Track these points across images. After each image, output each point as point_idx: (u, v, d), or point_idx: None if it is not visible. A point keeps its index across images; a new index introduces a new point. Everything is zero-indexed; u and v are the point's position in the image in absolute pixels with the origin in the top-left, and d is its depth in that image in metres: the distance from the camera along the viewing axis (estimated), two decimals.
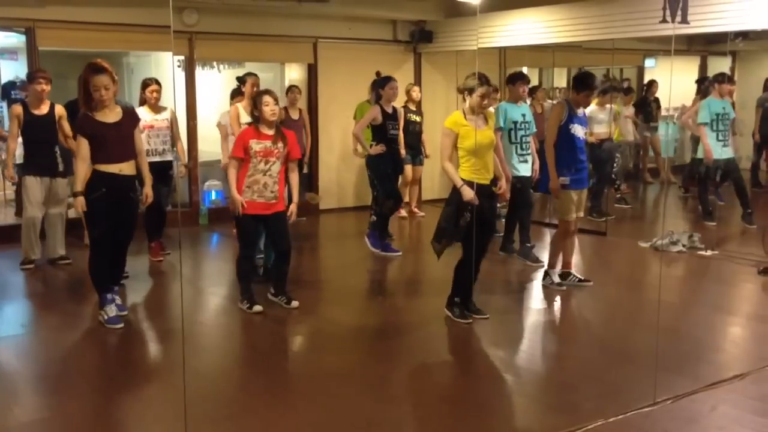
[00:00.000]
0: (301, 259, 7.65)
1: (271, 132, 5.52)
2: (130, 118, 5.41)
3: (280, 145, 5.53)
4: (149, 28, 8.12)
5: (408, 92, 9.15)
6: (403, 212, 9.47)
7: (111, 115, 5.25)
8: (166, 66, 9.50)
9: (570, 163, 6.05)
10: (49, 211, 7.00)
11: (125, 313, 5.57)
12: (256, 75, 7.65)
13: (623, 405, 4.02)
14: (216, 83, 10.60)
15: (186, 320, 5.49)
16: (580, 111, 6.15)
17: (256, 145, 5.46)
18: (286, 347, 5.36)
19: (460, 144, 5.26)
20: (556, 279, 6.34)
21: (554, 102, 10.12)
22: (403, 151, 7.79)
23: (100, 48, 8.43)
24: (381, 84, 7.27)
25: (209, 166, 9.51)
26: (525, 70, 10.29)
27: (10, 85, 10.36)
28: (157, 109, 7.13)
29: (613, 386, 4.37)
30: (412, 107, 9.15)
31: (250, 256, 5.86)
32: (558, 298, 6.19)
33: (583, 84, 6.09)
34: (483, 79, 5.31)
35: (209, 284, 6.87)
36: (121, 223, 5.33)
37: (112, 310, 5.34)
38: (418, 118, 9.15)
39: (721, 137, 8.55)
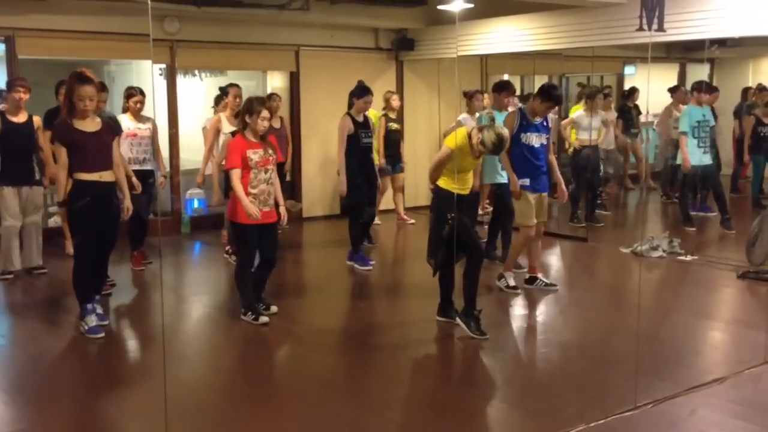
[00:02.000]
0: (283, 266, 7.62)
1: (259, 140, 5.54)
2: (109, 128, 5.40)
3: (270, 152, 5.56)
4: (130, 36, 8.09)
5: (387, 100, 9.16)
6: (377, 220, 9.47)
7: (90, 124, 5.23)
8: (148, 74, 9.47)
9: (525, 171, 6.16)
10: (26, 220, 6.93)
11: (106, 322, 5.53)
12: (238, 86, 7.67)
13: (604, 410, 4.04)
14: (197, 91, 10.58)
15: (167, 329, 5.46)
16: (537, 119, 6.23)
17: (254, 155, 5.45)
18: (269, 355, 5.34)
19: (452, 162, 5.36)
20: (511, 282, 6.41)
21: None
22: (381, 160, 7.70)
23: (80, 56, 8.38)
24: (357, 94, 7.15)
25: (191, 174, 9.47)
26: (506, 77, 10.36)
27: None
28: (140, 118, 7.12)
29: (594, 391, 4.40)
30: (392, 115, 9.16)
31: (251, 259, 5.65)
32: (539, 304, 6.22)
33: (547, 96, 6.16)
34: (498, 145, 5.24)
35: (191, 293, 6.85)
36: (104, 230, 5.30)
37: (92, 320, 5.30)
38: (397, 126, 9.18)
39: (701, 144, 8.64)
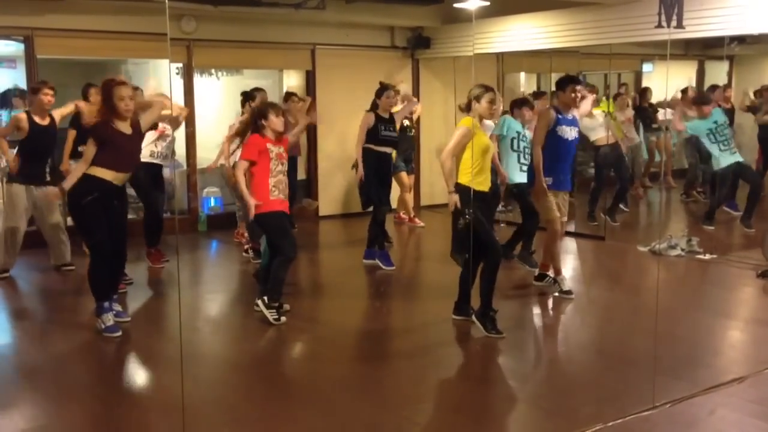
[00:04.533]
0: (299, 265, 7.64)
1: (276, 138, 5.62)
2: (138, 132, 5.48)
3: (282, 149, 5.67)
4: (147, 35, 8.14)
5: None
6: (403, 215, 9.49)
7: (125, 127, 5.31)
8: (165, 73, 9.51)
9: (550, 168, 6.15)
10: (47, 220, 6.98)
11: (127, 319, 5.58)
12: (264, 90, 7.78)
13: (622, 409, 4.01)
14: (214, 90, 10.62)
15: (184, 327, 5.48)
16: (569, 114, 6.24)
17: (274, 148, 5.56)
18: (286, 354, 5.35)
19: (475, 146, 5.30)
20: (564, 287, 6.29)
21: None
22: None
23: (98, 56, 8.45)
24: (378, 93, 7.26)
25: (207, 173, 9.51)
26: (522, 75, 10.32)
27: (10, 93, 10.37)
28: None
29: (611, 391, 4.37)
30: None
31: (293, 249, 5.66)
32: (556, 303, 6.18)
33: (568, 80, 6.26)
34: (488, 87, 5.40)
35: (208, 291, 6.88)
36: (113, 228, 5.34)
37: (109, 319, 5.32)
38: (409, 124, 9.18)
39: (723, 146, 8.56)
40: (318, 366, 4.91)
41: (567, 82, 6.29)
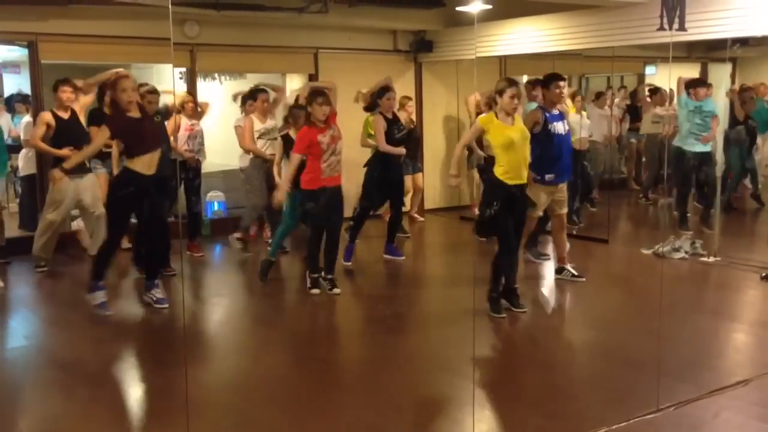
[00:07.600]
0: (304, 267, 7.64)
1: (324, 125, 6.17)
2: (148, 115, 5.86)
3: (334, 129, 6.24)
4: (150, 40, 8.16)
5: (403, 106, 9.23)
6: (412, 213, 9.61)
7: (135, 113, 5.70)
8: (168, 78, 9.54)
9: (552, 162, 6.29)
10: (92, 212, 6.98)
11: (166, 306, 5.91)
12: (266, 91, 7.88)
13: (626, 412, 4.01)
14: (217, 94, 10.64)
15: (189, 330, 5.50)
16: (555, 110, 6.38)
17: (323, 138, 6.13)
18: (290, 357, 5.34)
19: (492, 141, 5.55)
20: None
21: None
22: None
23: (101, 60, 8.45)
24: (379, 95, 7.44)
25: (212, 177, 9.54)
26: (525, 78, 10.30)
27: (13, 99, 10.43)
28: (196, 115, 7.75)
29: (615, 393, 4.36)
30: (406, 117, 9.28)
31: (320, 227, 6.39)
32: (559, 304, 6.18)
33: (546, 79, 6.44)
34: (512, 82, 5.62)
35: (211, 294, 6.89)
36: (147, 221, 5.81)
37: (100, 297, 5.70)
38: (412, 125, 9.27)
39: (695, 130, 8.46)
40: (322, 369, 4.91)
41: (552, 79, 6.41)
